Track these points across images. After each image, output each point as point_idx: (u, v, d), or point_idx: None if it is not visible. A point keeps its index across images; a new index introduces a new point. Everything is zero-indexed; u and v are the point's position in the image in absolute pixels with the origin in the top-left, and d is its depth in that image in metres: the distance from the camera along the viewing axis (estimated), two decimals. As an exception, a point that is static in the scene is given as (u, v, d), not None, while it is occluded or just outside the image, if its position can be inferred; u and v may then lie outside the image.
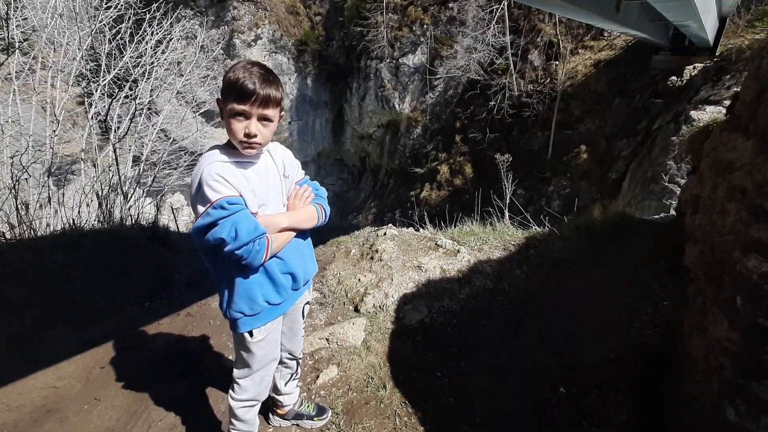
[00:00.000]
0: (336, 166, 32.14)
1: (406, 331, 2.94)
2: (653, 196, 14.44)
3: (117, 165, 7.46)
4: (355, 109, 26.62)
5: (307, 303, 2.00)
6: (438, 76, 22.13)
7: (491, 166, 20.68)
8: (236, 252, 1.39)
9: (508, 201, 6.50)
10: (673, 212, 5.46)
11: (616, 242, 3.67)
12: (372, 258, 3.91)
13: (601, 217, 4.63)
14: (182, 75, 28.16)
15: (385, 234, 4.38)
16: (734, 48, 13.72)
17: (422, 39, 22.59)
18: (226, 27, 25.89)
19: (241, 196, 1.43)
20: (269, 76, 1.44)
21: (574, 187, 17.95)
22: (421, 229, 4.89)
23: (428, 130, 23.63)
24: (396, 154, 25.55)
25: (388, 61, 23.39)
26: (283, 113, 1.60)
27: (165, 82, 28.35)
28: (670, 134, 14.40)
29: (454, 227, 5.01)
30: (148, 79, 14.31)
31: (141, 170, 10.94)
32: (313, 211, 1.75)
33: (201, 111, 18.21)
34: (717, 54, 14.61)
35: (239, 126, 1.43)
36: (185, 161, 30.76)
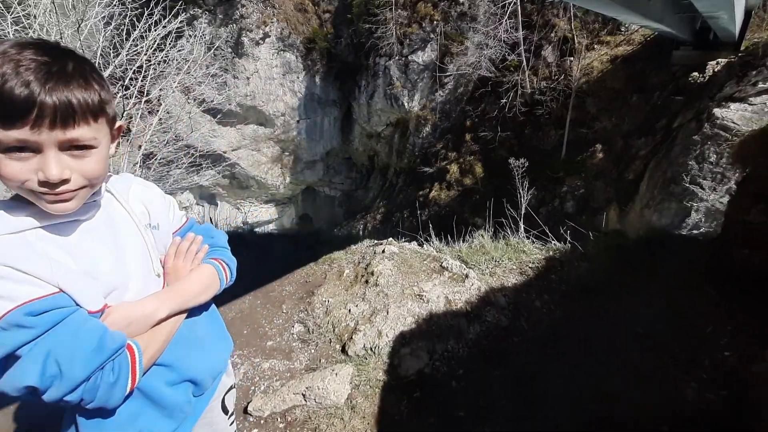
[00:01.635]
0: (344, 165, 31.86)
1: (401, 385, 2.47)
2: (673, 198, 13.83)
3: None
4: (364, 107, 26.26)
5: (232, 388, 1.38)
6: (448, 74, 21.66)
7: (502, 166, 20.17)
8: (67, 399, 0.80)
9: (523, 211, 6.10)
10: (707, 226, 5.01)
11: (651, 263, 3.24)
12: (367, 282, 3.54)
13: (632, 233, 4.19)
14: (189, 72, 28.12)
15: (383, 252, 4.02)
16: (761, 42, 13.03)
17: (432, 35, 22.11)
18: (234, 25, 25.71)
19: (61, 291, 0.82)
20: (63, 65, 0.79)
21: (589, 187, 17.37)
22: (425, 245, 4.53)
23: (438, 128, 23.17)
24: (405, 153, 25.15)
25: (397, 58, 22.97)
26: (120, 124, 0.99)
27: (172, 80, 28.28)
28: (692, 133, 13.76)
29: (463, 242, 4.64)
30: (152, 76, 14.21)
31: (136, 167, 10.80)
32: (210, 273, 1.15)
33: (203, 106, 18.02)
34: (742, 49, 13.92)
35: (23, 169, 0.79)
36: (196, 161, 30.72)
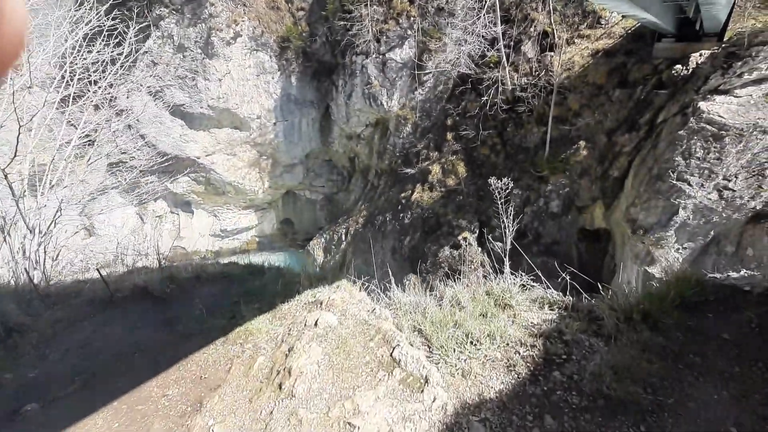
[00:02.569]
0: (325, 168, 30.92)
1: None
2: (660, 196, 13.34)
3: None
4: (342, 107, 25.38)
5: None
6: (427, 71, 20.93)
7: (485, 166, 19.55)
8: None
9: (508, 246, 5.26)
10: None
11: (694, 336, 2.26)
12: (281, 386, 2.42)
13: (660, 289, 3.04)
14: (156, 75, 26.81)
15: (316, 324, 2.99)
16: (746, 32, 12.58)
17: (409, 32, 21.36)
18: (203, 25, 24.55)
19: None
20: None
21: (574, 185, 16.85)
22: (378, 306, 3.42)
23: (418, 128, 22.45)
24: (385, 154, 24.36)
25: (374, 56, 22.15)
26: None
27: (140, 84, 26.78)
28: (677, 128, 13.30)
29: (429, 293, 3.67)
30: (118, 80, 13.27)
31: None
32: None
33: (170, 107, 16.95)
34: (725, 39, 13.48)
35: None
36: (169, 167, 29.19)
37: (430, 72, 21.00)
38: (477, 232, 18.56)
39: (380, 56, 22.04)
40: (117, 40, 12.66)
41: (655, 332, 2.43)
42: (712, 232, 13.22)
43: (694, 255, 13.72)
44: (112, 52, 12.07)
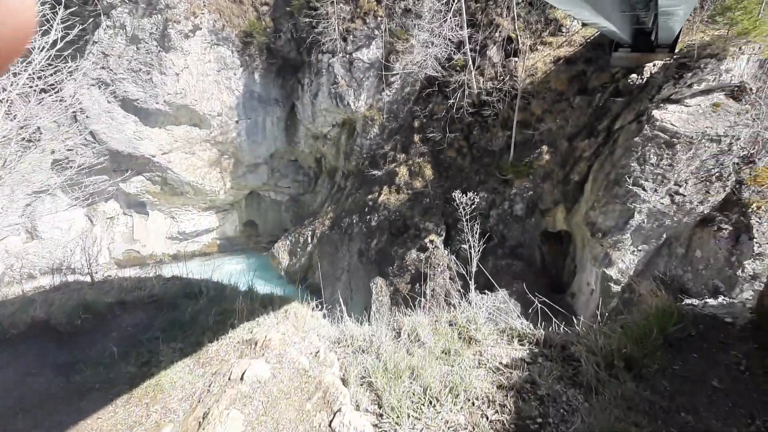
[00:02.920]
0: (291, 168, 30.10)
1: None
2: (617, 200, 13.81)
3: None
4: (308, 107, 24.77)
5: None
6: (394, 72, 20.77)
7: (452, 168, 19.62)
8: None
9: (474, 269, 5.03)
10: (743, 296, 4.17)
11: (682, 386, 2.00)
12: None
13: (640, 327, 2.66)
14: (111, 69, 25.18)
15: (243, 377, 2.41)
16: (695, 44, 13.23)
17: (376, 32, 21.11)
18: (159, 16, 23.20)
19: None
20: None
21: (537, 189, 17.20)
22: (321, 349, 2.88)
23: (385, 129, 22.24)
24: (352, 155, 23.99)
25: (341, 55, 21.73)
26: None
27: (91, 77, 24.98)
28: (633, 135, 13.81)
29: (388, 322, 3.22)
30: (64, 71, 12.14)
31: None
32: None
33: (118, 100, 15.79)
34: (676, 51, 14.15)
35: None
36: (121, 166, 27.43)
37: (398, 73, 20.85)
38: (444, 234, 18.59)
39: (347, 55, 21.65)
40: (45, 27, 11.56)
41: (640, 383, 2.20)
42: (664, 235, 13.84)
43: (648, 257, 14.33)
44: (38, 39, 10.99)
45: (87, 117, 24.75)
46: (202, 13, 23.61)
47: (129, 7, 23.39)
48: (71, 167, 26.30)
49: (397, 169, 20.89)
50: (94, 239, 27.96)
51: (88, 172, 26.91)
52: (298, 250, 25.88)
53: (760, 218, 12.44)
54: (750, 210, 12.61)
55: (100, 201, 27.81)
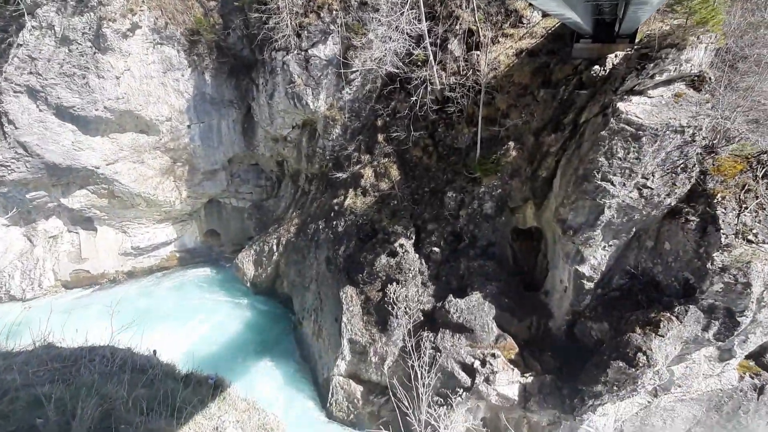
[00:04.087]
0: (252, 173, 28.56)
1: None
2: (587, 196, 13.48)
3: None
4: (264, 108, 23.37)
5: None
6: (353, 69, 19.74)
7: (418, 168, 18.91)
8: None
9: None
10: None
11: None
12: None
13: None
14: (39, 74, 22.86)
15: None
16: (656, 34, 13.00)
17: (332, 27, 19.98)
18: (91, 14, 21.09)
19: None
20: None
21: (506, 186, 16.76)
22: None
23: (348, 129, 21.24)
24: (315, 157, 22.86)
25: (295, 52, 20.48)
26: None
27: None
28: (599, 128, 13.49)
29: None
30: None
31: None
32: None
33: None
34: (637, 41, 13.91)
35: None
36: (61, 180, 25.08)
37: (357, 70, 19.84)
38: (413, 238, 17.89)
39: (302, 52, 20.43)
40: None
41: None
42: (634, 229, 13.69)
43: (619, 251, 14.17)
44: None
45: (16, 128, 22.31)
46: (141, 11, 21.65)
47: (56, 5, 21.13)
48: (3, 184, 23.90)
49: (362, 170, 19.98)
50: (35, 261, 25.51)
51: (23, 188, 24.51)
52: (264, 259, 24.57)
53: (725, 208, 12.43)
54: (715, 200, 12.59)
55: (39, 219, 25.38)
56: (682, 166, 12.79)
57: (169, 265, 28.37)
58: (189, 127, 24.86)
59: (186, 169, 26.22)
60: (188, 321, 23.11)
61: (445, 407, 14.84)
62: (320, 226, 21.22)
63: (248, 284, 25.23)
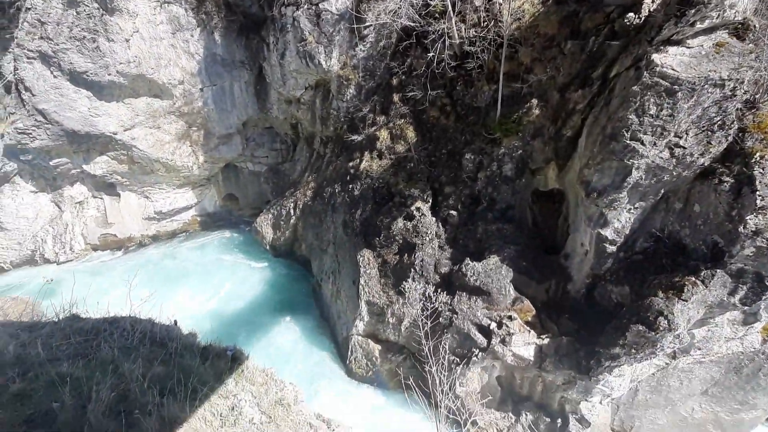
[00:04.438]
0: (267, 136, 28.34)
1: None
2: (614, 156, 12.84)
3: None
4: (276, 68, 22.70)
5: None
6: (367, 24, 18.75)
7: (435, 129, 18.33)
8: None
9: None
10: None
11: None
12: None
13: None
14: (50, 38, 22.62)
15: None
16: (701, -26, 11.70)
17: (344, -22, 18.81)
18: (96, -28, 20.37)
19: None
20: None
21: (527, 147, 16.12)
22: None
23: (362, 89, 20.54)
24: (329, 119, 22.37)
25: (306, 7, 19.49)
26: None
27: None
28: (631, 83, 12.59)
29: None
30: None
31: None
32: None
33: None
34: (678, -17, 12.57)
35: None
36: (81, 146, 25.43)
37: (371, 24, 18.84)
38: (430, 201, 17.65)
39: (313, 6, 19.43)
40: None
41: None
42: (662, 191, 13.08)
43: (644, 214, 13.65)
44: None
45: (33, 95, 22.41)
46: (145, -34, 20.78)
47: (61, -36, 20.45)
48: (27, 152, 24.40)
49: (377, 132, 19.50)
50: (65, 226, 26.50)
51: (46, 155, 25.00)
52: (281, 223, 24.88)
53: (763, 169, 11.65)
54: (753, 160, 11.79)
55: (65, 185, 26.06)
56: (719, 123, 11.91)
57: (191, 229, 29.10)
58: (202, 90, 24.53)
59: (201, 133, 26.15)
60: (210, 283, 23.98)
61: (460, 366, 15.25)
62: (336, 190, 21.14)
63: (267, 247, 25.76)
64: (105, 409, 3.12)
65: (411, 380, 14.70)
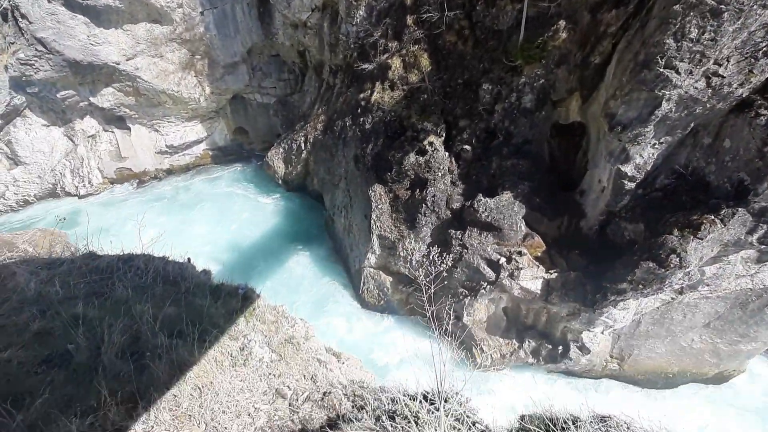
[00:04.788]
0: (273, 65, 27.02)
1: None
2: (644, 87, 11.94)
3: None
4: (280, -13, 20.90)
5: None
6: (378, -68, 16.71)
7: (452, 56, 17.14)
8: None
9: None
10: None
11: None
12: None
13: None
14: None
15: None
16: None
17: None
18: None
19: None
20: None
21: (550, 76, 15.05)
22: None
23: (373, 10, 18.93)
24: (338, 45, 21.01)
25: None
26: None
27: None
28: (672, 2, 11.24)
29: None
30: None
31: None
32: None
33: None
34: None
35: None
36: (86, 78, 24.81)
37: (383, -67, 16.80)
38: (443, 135, 17.06)
39: None
40: None
41: None
42: (692, 125, 12.30)
43: (669, 149, 13.01)
44: None
45: (30, 23, 21.36)
46: None
47: None
48: (32, 83, 23.90)
49: (389, 61, 18.34)
50: (80, 160, 26.79)
51: (52, 87, 24.50)
52: (293, 157, 24.66)
53: (808, 100, 10.73)
54: (799, 90, 10.82)
55: (75, 118, 25.87)
56: (764, 49, 10.77)
57: (203, 163, 29.17)
58: (202, 14, 23.00)
59: (206, 62, 25.05)
60: (225, 215, 24.56)
61: (468, 298, 15.85)
62: (347, 123, 20.52)
63: (280, 181, 25.85)
64: (117, 351, 3.32)
65: (422, 309, 15.42)
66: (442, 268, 7.06)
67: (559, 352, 15.91)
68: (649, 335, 15.91)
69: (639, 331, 15.94)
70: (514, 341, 16.51)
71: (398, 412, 2.82)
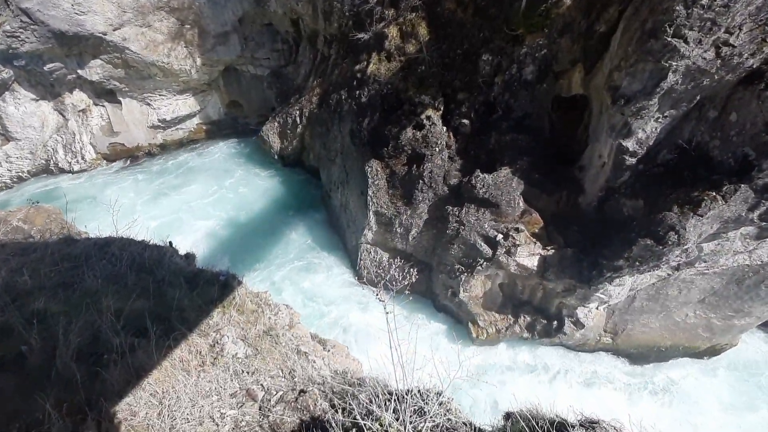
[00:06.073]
0: (266, 35, 26.04)
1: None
2: (650, 57, 11.42)
3: None
4: (271, -50, 19.79)
5: None
6: None
7: (451, 25, 16.42)
8: None
9: None
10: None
11: None
12: None
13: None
14: None
15: None
16: None
17: None
18: None
19: None
20: None
21: (553, 46, 14.44)
22: None
23: (369, -24, 17.99)
24: (333, 14, 20.13)
25: None
26: None
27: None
28: (685, -37, 10.56)
29: None
30: None
31: None
32: None
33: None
34: None
35: None
36: (72, 49, 24.00)
37: None
38: (441, 108, 16.57)
39: None
40: None
41: None
42: (698, 97, 11.86)
43: (673, 123, 12.62)
44: None
45: (10, -10, 20.37)
46: None
47: None
48: (19, 56, 23.09)
49: (386, 30, 17.59)
50: (72, 135, 26.26)
51: (38, 59, 23.68)
52: (288, 132, 24.15)
53: (821, 71, 10.27)
54: (812, 60, 10.34)
55: (64, 92, 25.15)
56: (781, 15, 10.21)
57: (198, 138, 28.63)
58: (190, -21, 21.90)
59: (195, 32, 24.11)
60: (221, 191, 24.29)
61: (465, 274, 15.84)
62: (343, 97, 19.94)
63: (276, 156, 25.43)
64: (73, 354, 3.15)
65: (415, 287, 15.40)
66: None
67: (554, 326, 16.06)
68: (643, 310, 16.01)
69: (633, 307, 16.03)
70: (509, 316, 16.65)
71: (374, 414, 2.72)
